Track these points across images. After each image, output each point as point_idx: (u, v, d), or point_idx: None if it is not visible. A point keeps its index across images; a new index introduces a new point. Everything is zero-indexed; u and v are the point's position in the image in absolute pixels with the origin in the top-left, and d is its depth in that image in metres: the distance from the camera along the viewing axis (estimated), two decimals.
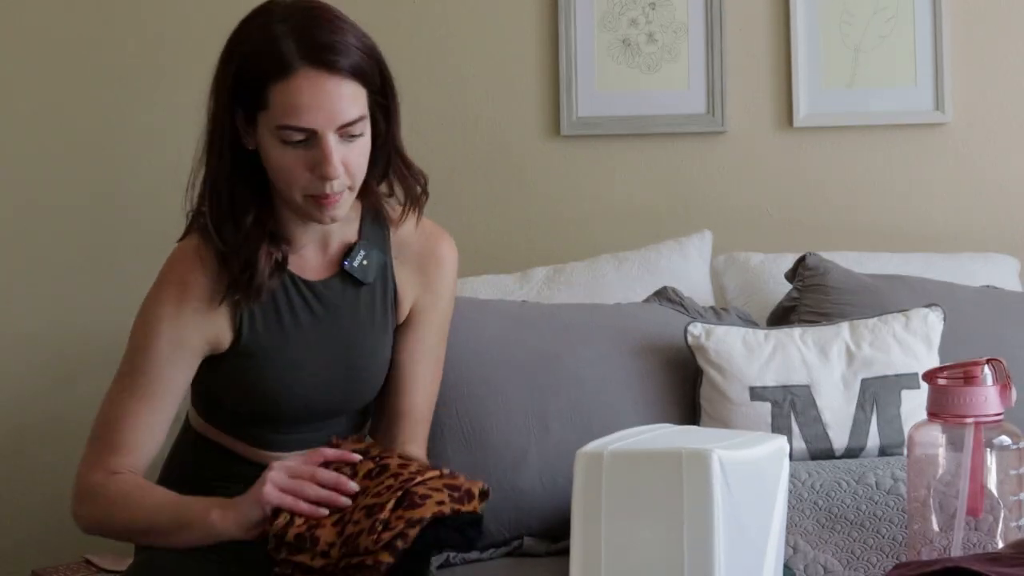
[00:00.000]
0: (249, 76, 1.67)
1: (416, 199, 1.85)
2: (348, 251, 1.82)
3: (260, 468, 1.79)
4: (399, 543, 1.58)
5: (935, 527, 1.68)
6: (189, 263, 1.77)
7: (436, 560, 2.05)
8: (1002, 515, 1.67)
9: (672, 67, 2.88)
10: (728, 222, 2.88)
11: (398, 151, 1.80)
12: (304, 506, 1.61)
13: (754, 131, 2.90)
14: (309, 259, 1.81)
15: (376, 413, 1.93)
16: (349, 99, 1.67)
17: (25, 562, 2.82)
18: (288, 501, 1.61)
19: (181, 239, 1.83)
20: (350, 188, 1.72)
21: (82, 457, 1.82)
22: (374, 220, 1.86)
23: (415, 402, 1.91)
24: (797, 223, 2.90)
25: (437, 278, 1.91)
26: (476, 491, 1.66)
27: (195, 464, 1.86)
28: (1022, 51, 2.88)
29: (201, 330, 1.76)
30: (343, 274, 1.82)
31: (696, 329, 2.22)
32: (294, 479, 1.62)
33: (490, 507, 2.07)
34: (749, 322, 2.40)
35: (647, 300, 2.44)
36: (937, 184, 2.89)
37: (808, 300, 2.42)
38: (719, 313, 2.40)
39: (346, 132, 1.68)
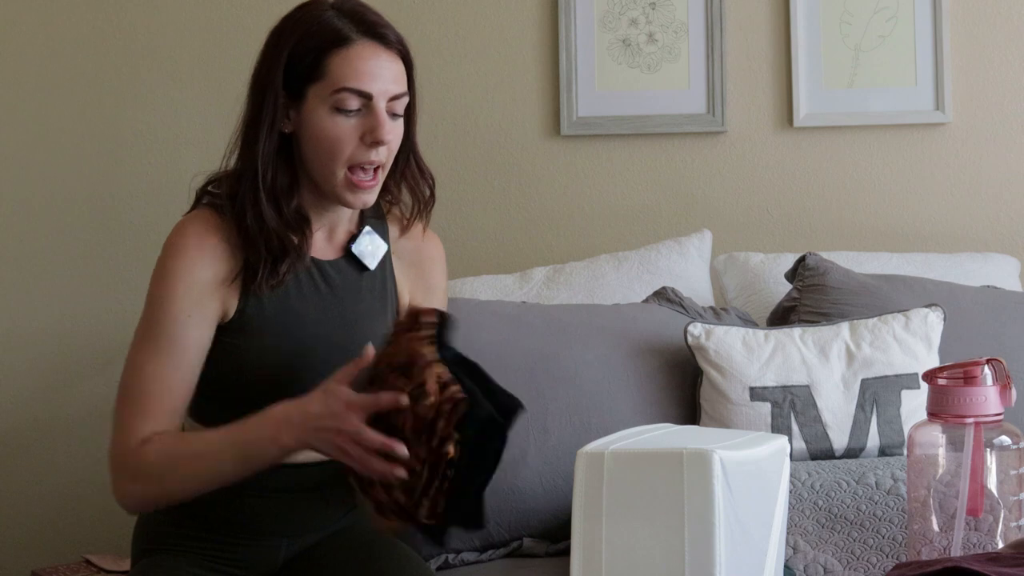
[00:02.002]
0: (306, 49, 1.74)
1: (425, 202, 1.90)
2: (352, 238, 1.87)
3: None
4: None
5: (935, 527, 1.68)
6: (205, 228, 1.79)
7: (435, 562, 2.06)
8: (1002, 515, 1.67)
9: (672, 67, 2.88)
10: (728, 222, 2.88)
11: (414, 151, 1.86)
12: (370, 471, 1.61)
13: (754, 131, 2.90)
14: (317, 241, 1.85)
15: None
16: (398, 74, 1.77)
17: (25, 562, 2.82)
18: (358, 468, 1.63)
19: (188, 213, 1.84)
20: (381, 169, 1.78)
21: (113, 432, 1.77)
22: (376, 215, 1.91)
23: None
24: (797, 223, 2.90)
25: (431, 274, 1.95)
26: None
27: None
28: (1022, 51, 2.89)
29: (215, 294, 1.77)
30: (348, 258, 1.86)
31: (696, 329, 2.22)
32: (360, 454, 1.60)
33: (489, 508, 2.08)
34: (749, 322, 2.40)
35: (646, 300, 2.44)
36: (937, 184, 2.89)
37: (808, 300, 2.42)
38: (719, 313, 2.40)
39: (392, 107, 1.76)
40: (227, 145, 1.84)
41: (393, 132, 1.77)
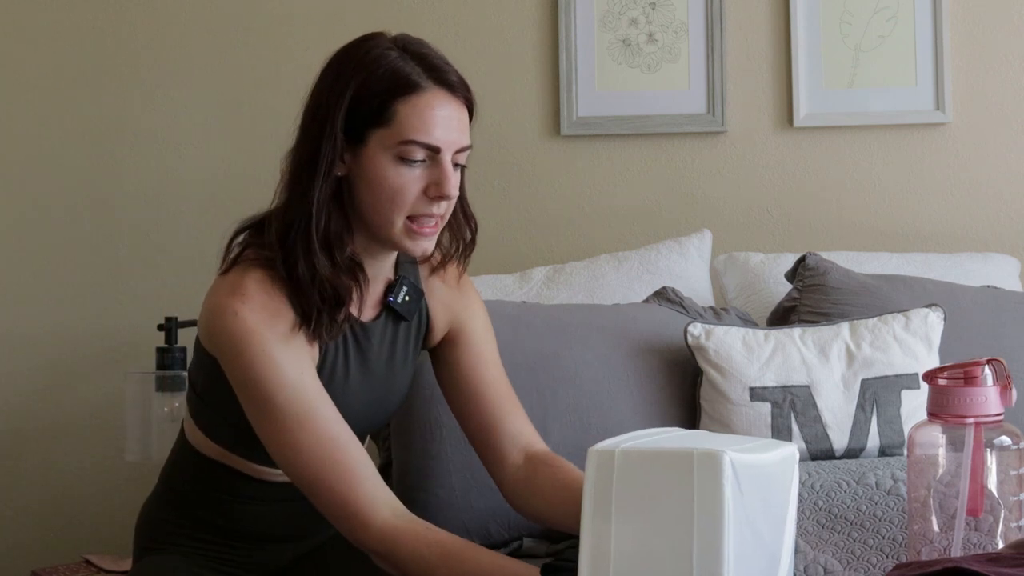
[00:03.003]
0: (371, 92, 1.64)
1: (466, 246, 1.82)
2: (389, 288, 1.79)
3: (258, 483, 1.78)
4: None
5: (935, 527, 1.68)
6: (265, 293, 1.65)
7: None
8: (1002, 515, 1.66)
9: (672, 67, 2.89)
10: (728, 222, 2.88)
11: (463, 195, 1.77)
12: None
13: (754, 131, 2.90)
14: (364, 299, 1.74)
15: (478, 441, 1.85)
16: (464, 124, 1.69)
17: (25, 562, 2.82)
18: None
19: (225, 272, 1.69)
20: (443, 218, 1.70)
21: (341, 525, 1.65)
22: (406, 258, 1.83)
23: (501, 403, 1.84)
24: (797, 223, 2.90)
25: (466, 295, 1.88)
26: None
27: (193, 480, 1.83)
28: (1022, 51, 2.89)
29: (303, 343, 1.67)
30: (386, 311, 1.79)
31: (696, 329, 2.22)
32: None
33: (489, 508, 2.08)
34: (749, 322, 2.40)
35: (647, 300, 2.43)
36: (937, 184, 2.89)
37: (808, 300, 2.42)
38: (719, 313, 2.40)
39: (457, 159, 1.67)
40: (276, 187, 1.70)
41: (457, 185, 1.68)
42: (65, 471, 2.92)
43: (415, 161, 1.64)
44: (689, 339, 2.22)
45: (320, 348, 1.70)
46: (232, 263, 1.69)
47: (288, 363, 1.63)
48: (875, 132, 2.89)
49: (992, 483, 1.66)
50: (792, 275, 2.49)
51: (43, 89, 2.94)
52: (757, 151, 2.90)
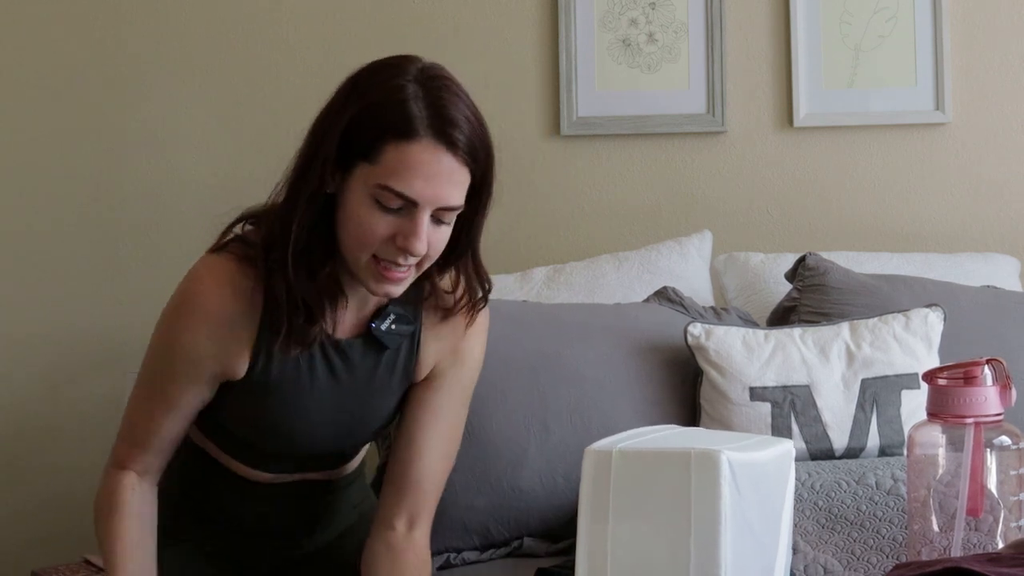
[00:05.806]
0: (368, 123, 1.57)
1: (474, 304, 1.76)
2: (377, 312, 1.73)
3: (245, 482, 1.81)
4: None
5: (935, 527, 1.68)
6: (219, 288, 1.65)
7: (437, 560, 2.06)
8: (1002, 515, 1.66)
9: (672, 67, 2.89)
10: (728, 222, 2.88)
11: (473, 247, 1.73)
12: None
13: (754, 131, 2.90)
14: (341, 316, 1.70)
15: (386, 481, 1.80)
16: (458, 185, 1.59)
17: (25, 562, 2.82)
18: None
19: (212, 250, 1.70)
20: (417, 267, 1.63)
21: (111, 453, 1.75)
22: (411, 298, 1.74)
23: (425, 472, 1.77)
24: (797, 223, 2.90)
25: (466, 346, 1.80)
26: None
27: (183, 470, 1.85)
28: (1022, 51, 2.89)
29: (219, 358, 1.67)
30: (368, 335, 1.72)
31: (696, 329, 2.22)
32: None
33: (489, 507, 2.09)
34: (749, 322, 2.40)
35: (647, 300, 2.44)
36: (937, 184, 2.89)
37: (808, 300, 2.42)
38: (719, 313, 2.40)
39: (439, 216, 1.59)
40: (273, 190, 1.67)
41: (432, 240, 1.60)
42: (65, 471, 2.92)
43: (390, 207, 1.57)
44: (689, 339, 2.22)
45: (259, 349, 1.68)
46: (222, 247, 1.69)
47: (187, 373, 1.68)
48: (875, 132, 2.89)
49: (992, 483, 1.66)
50: (792, 275, 2.49)
51: (43, 89, 2.94)
52: (757, 151, 2.90)
